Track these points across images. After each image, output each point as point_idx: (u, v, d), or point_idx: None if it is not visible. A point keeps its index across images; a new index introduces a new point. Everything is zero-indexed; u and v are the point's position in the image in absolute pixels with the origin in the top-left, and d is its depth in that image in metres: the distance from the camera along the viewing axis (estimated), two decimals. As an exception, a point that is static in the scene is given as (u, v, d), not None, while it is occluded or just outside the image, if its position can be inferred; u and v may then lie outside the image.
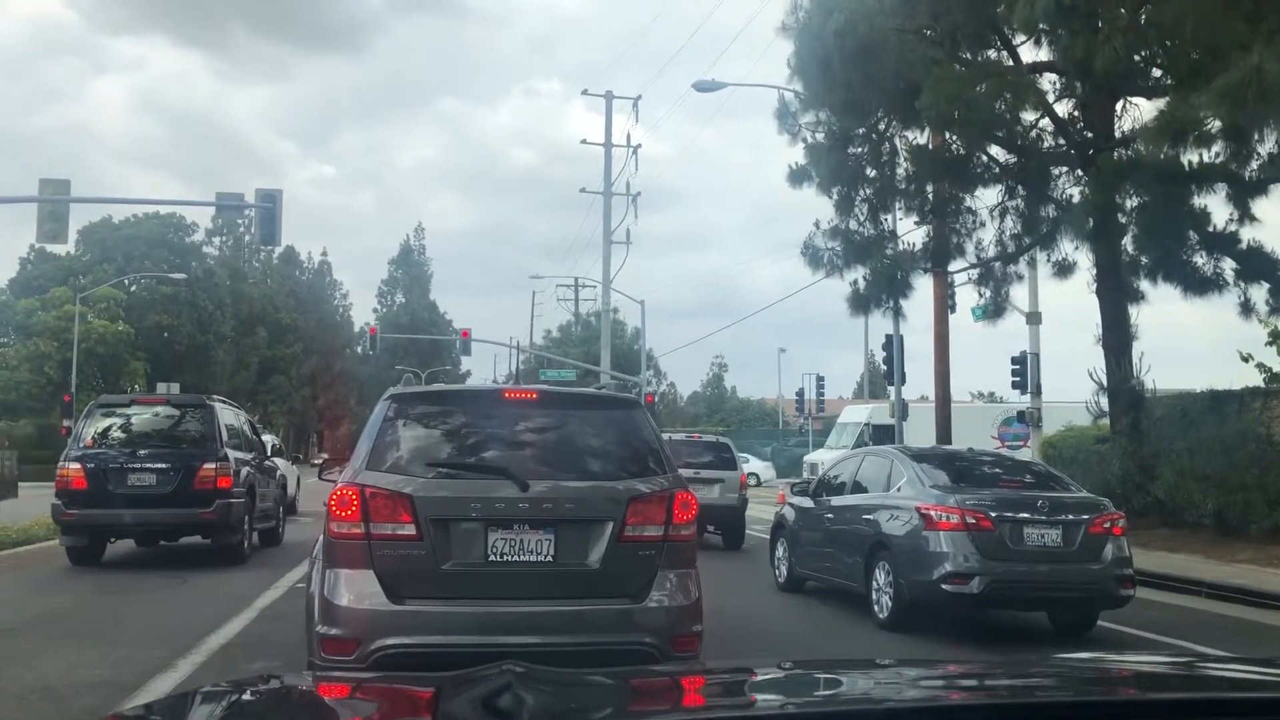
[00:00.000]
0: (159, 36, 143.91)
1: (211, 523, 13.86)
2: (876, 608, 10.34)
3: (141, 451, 14.02)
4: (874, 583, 10.41)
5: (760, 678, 2.48)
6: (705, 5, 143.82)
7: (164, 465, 13.85)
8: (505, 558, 5.98)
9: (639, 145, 41.34)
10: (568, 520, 6.09)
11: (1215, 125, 14.50)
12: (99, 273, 59.42)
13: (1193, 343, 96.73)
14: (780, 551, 13.19)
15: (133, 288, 61.42)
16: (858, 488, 11.68)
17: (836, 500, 11.95)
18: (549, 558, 6.03)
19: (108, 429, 14.41)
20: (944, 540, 9.66)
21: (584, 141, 42.57)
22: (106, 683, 7.24)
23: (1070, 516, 9.85)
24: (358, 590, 5.87)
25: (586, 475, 6.35)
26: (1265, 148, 17.31)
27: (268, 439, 20.46)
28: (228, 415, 15.20)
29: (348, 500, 5.95)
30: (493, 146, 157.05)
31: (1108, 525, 9.93)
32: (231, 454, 14.27)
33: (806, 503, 12.70)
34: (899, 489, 10.65)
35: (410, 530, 5.90)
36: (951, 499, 9.88)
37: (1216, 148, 16.56)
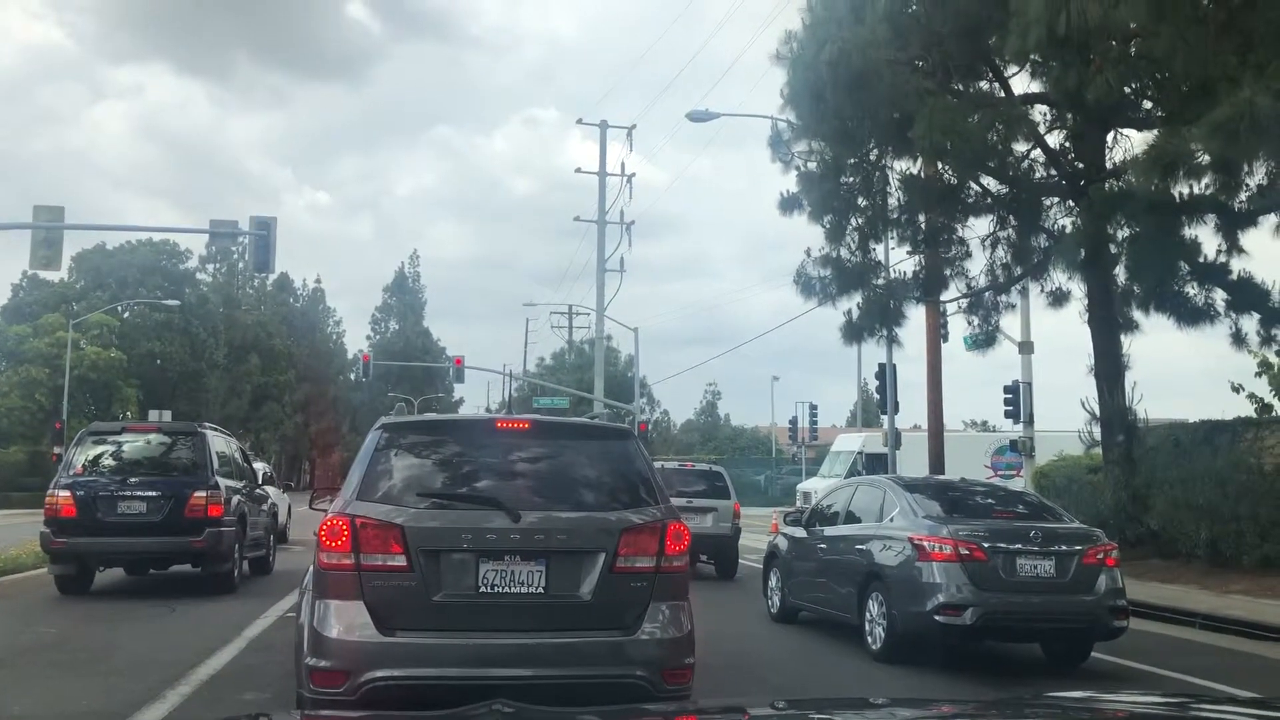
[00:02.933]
0: (160, 64, 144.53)
1: (202, 551, 13.74)
2: (870, 639, 10.29)
3: (132, 479, 13.93)
4: (867, 614, 10.37)
5: (753, 719, 2.46)
6: (702, 34, 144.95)
7: (155, 493, 13.76)
8: (496, 589, 5.95)
9: (633, 174, 41.71)
10: (559, 551, 6.06)
11: (1205, 158, 14.57)
12: (92, 299, 59.44)
13: (1186, 372, 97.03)
14: (774, 581, 13.14)
15: (126, 314, 61.37)
16: (851, 518, 11.65)
17: (829, 530, 11.92)
18: (540, 589, 5.99)
19: (98, 456, 14.31)
20: (937, 571, 9.62)
21: (578, 170, 43.06)
22: (93, 714, 7.18)
23: (1063, 547, 9.82)
24: (348, 621, 5.82)
25: (578, 506, 6.33)
26: (1254, 179, 17.40)
27: (259, 467, 20.46)
28: (219, 443, 15.14)
29: (338, 530, 5.92)
30: (490, 174, 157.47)
31: (1101, 556, 9.90)
32: (222, 482, 14.19)
33: (799, 532, 12.66)
34: (892, 519, 10.62)
35: (401, 561, 5.87)
36: (944, 529, 9.85)
37: (1206, 179, 16.63)
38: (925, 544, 9.77)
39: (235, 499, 14.59)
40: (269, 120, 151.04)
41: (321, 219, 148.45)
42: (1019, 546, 9.71)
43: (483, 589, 5.94)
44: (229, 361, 71.08)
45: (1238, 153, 13.42)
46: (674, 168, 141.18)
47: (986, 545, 9.64)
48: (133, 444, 14.67)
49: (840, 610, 11.15)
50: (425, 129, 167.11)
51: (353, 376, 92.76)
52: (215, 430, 15.76)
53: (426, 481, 6.31)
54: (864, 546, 10.76)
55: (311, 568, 6.28)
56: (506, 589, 5.96)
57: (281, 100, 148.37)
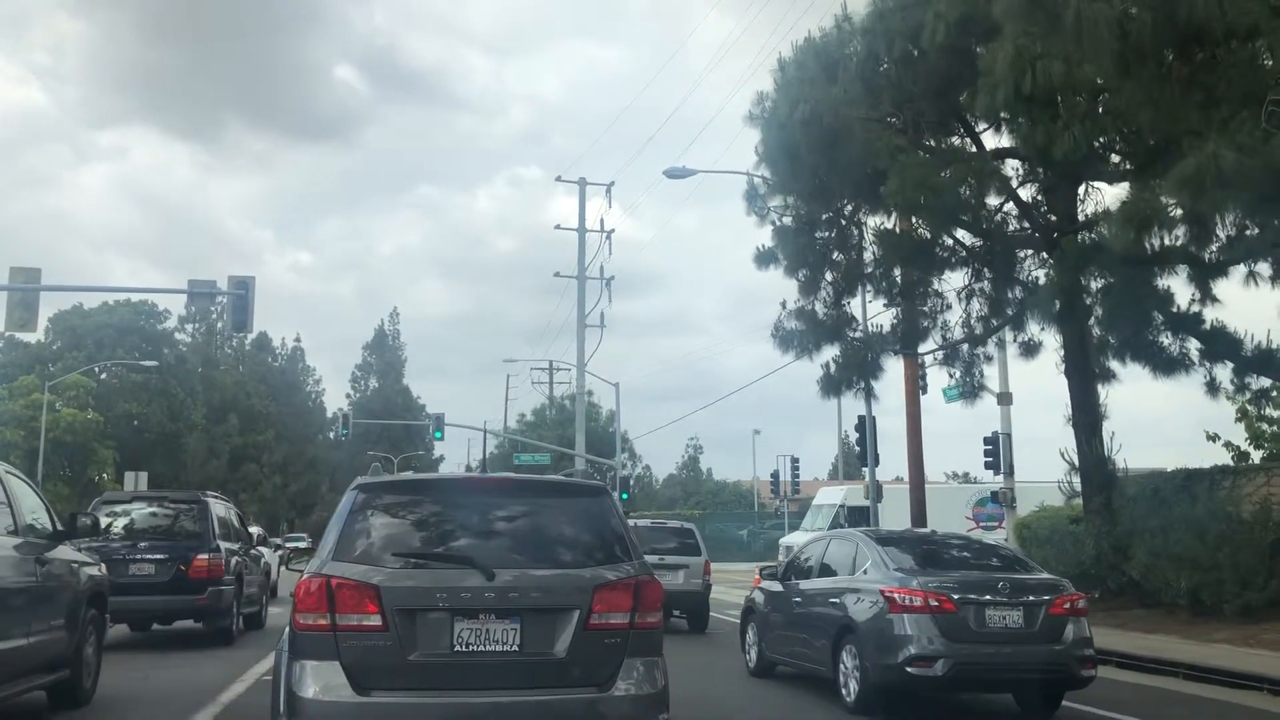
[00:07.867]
0: (144, 127, 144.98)
1: (204, 608, 15.01)
2: (844, 692, 10.28)
3: (142, 544, 15.12)
4: (841, 666, 10.37)
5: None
6: (682, 92, 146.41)
7: (162, 556, 14.93)
8: (471, 648, 5.95)
9: (613, 230, 41.88)
10: (534, 609, 6.06)
11: (1178, 212, 14.80)
12: (68, 360, 59.17)
13: (1165, 419, 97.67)
14: (751, 636, 13.13)
15: (103, 375, 61.11)
16: (825, 571, 11.66)
17: (805, 584, 11.93)
18: (515, 647, 5.99)
19: (110, 523, 15.20)
20: (907, 623, 9.65)
21: (558, 227, 43.07)
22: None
23: (1031, 597, 9.86)
24: (324, 682, 5.81)
25: (553, 563, 6.33)
26: (1224, 231, 17.64)
27: (252, 530, 22.01)
28: (219, 509, 16.43)
29: (313, 591, 5.92)
30: (473, 232, 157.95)
31: (1068, 606, 9.94)
32: (223, 545, 15.40)
33: (776, 586, 12.66)
34: (864, 572, 10.65)
35: (376, 621, 5.87)
36: (914, 581, 9.89)
37: (1178, 231, 16.88)
38: (896, 596, 9.81)
39: (234, 560, 15.88)
40: (252, 182, 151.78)
41: (303, 278, 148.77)
42: (988, 597, 9.75)
43: (458, 648, 5.93)
44: (207, 422, 70.75)
45: (1206, 206, 13.63)
46: (655, 224, 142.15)
47: (956, 597, 9.68)
48: (142, 512, 16.08)
49: (816, 664, 11.15)
50: (409, 189, 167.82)
51: (332, 435, 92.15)
52: (216, 498, 17.00)
53: (402, 541, 6.32)
54: (837, 600, 10.77)
55: (288, 629, 6.27)
56: (481, 647, 5.96)
57: (265, 162, 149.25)
